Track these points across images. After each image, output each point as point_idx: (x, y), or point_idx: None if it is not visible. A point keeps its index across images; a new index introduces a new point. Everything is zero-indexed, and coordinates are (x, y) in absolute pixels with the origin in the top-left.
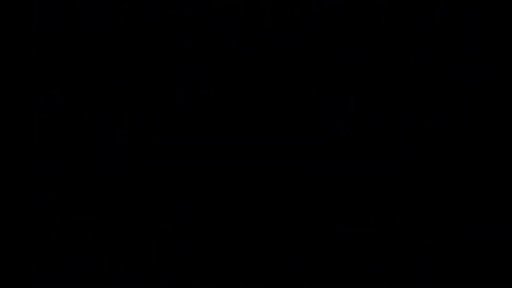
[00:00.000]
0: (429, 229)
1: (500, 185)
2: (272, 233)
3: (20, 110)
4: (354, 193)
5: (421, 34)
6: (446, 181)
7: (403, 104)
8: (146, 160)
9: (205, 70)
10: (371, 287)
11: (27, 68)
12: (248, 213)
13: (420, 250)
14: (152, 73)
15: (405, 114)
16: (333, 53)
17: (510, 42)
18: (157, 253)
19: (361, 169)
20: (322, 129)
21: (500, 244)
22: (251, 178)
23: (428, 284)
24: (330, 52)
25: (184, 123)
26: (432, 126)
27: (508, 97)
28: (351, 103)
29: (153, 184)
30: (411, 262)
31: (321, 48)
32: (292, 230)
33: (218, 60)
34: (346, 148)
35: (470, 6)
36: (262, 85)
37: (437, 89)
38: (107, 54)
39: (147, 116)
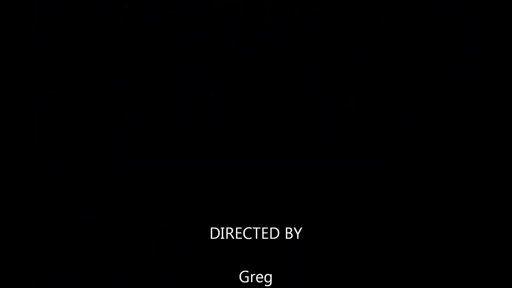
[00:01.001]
0: (429, 229)
1: (500, 185)
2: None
3: (20, 110)
4: (354, 193)
5: (421, 34)
6: (446, 181)
7: (403, 104)
8: (146, 160)
9: (205, 70)
10: (371, 287)
11: (27, 68)
12: (248, 213)
13: (420, 250)
14: (152, 73)
15: (405, 114)
16: (333, 53)
17: (510, 42)
18: (157, 253)
19: (361, 169)
20: (322, 129)
21: (500, 244)
22: (251, 178)
23: (428, 284)
24: (330, 52)
25: (184, 123)
26: (432, 126)
27: (508, 97)
28: (351, 103)
29: (153, 184)
30: (411, 262)
31: (321, 48)
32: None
33: (218, 60)
34: (346, 148)
35: (470, 6)
36: (262, 85)
37: (437, 89)
38: (107, 54)
39: (147, 116)
